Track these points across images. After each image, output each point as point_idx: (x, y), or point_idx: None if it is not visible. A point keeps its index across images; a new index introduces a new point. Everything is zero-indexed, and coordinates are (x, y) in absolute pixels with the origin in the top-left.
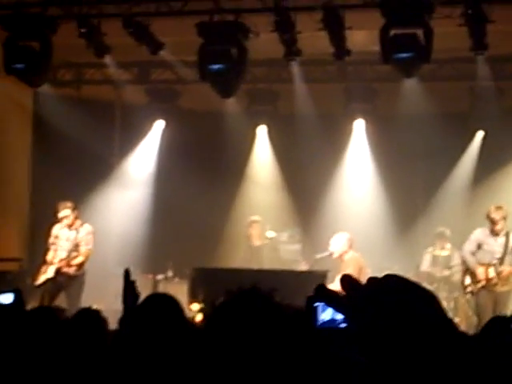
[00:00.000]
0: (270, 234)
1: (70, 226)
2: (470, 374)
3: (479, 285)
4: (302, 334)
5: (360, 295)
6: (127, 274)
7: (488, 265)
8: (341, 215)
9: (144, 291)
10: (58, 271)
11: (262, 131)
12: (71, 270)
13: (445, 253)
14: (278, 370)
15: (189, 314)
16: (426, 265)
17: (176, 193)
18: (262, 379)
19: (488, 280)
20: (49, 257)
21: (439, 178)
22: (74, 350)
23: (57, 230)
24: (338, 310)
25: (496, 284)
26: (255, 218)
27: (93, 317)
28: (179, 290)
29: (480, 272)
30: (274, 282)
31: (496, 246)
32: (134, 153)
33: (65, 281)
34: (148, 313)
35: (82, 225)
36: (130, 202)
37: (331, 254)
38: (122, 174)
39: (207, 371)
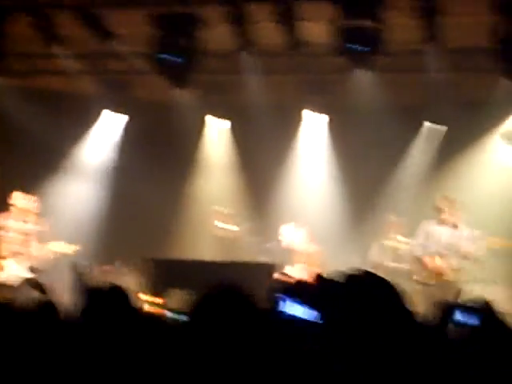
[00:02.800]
0: (219, 224)
1: (21, 217)
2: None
3: (426, 274)
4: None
5: (337, 290)
6: (75, 267)
7: (434, 254)
8: (295, 206)
9: (95, 283)
10: (33, 270)
11: (213, 122)
12: (38, 266)
13: (392, 242)
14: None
15: (138, 305)
16: (374, 255)
17: (128, 183)
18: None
19: (435, 269)
20: None
21: (391, 169)
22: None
23: (2, 220)
24: (311, 306)
25: (442, 273)
26: (218, 208)
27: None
28: (129, 281)
29: (428, 262)
30: (225, 273)
31: (443, 236)
32: (84, 143)
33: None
34: (99, 305)
35: (33, 216)
36: (82, 192)
37: (279, 242)
38: (74, 164)
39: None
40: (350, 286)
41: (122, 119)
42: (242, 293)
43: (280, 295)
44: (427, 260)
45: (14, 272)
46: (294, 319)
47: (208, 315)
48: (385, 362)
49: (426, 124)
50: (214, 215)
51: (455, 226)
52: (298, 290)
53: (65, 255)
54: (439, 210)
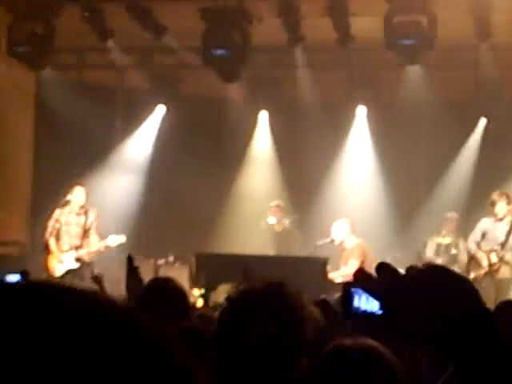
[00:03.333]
0: (272, 220)
1: (80, 211)
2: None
3: (482, 271)
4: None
5: (401, 284)
6: (130, 260)
7: (490, 251)
8: (342, 202)
9: (145, 276)
10: (79, 260)
11: (263, 117)
12: (87, 258)
13: (447, 240)
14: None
15: (190, 299)
16: (429, 252)
17: (176, 178)
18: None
19: (490, 265)
20: (54, 244)
21: (441, 165)
22: None
23: (63, 215)
24: (375, 297)
25: (498, 269)
26: (276, 202)
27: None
28: (180, 275)
29: (482, 258)
30: (276, 268)
31: (499, 231)
32: (133, 137)
33: (82, 269)
34: (152, 297)
35: (89, 210)
36: (130, 186)
37: (332, 241)
38: (123, 159)
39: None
40: (420, 280)
41: (172, 114)
42: (285, 291)
43: (353, 290)
44: (482, 257)
45: (70, 266)
46: (368, 314)
47: (243, 312)
48: (459, 362)
49: (480, 120)
50: (267, 210)
51: (510, 223)
52: (366, 283)
53: (116, 247)
54: (494, 206)
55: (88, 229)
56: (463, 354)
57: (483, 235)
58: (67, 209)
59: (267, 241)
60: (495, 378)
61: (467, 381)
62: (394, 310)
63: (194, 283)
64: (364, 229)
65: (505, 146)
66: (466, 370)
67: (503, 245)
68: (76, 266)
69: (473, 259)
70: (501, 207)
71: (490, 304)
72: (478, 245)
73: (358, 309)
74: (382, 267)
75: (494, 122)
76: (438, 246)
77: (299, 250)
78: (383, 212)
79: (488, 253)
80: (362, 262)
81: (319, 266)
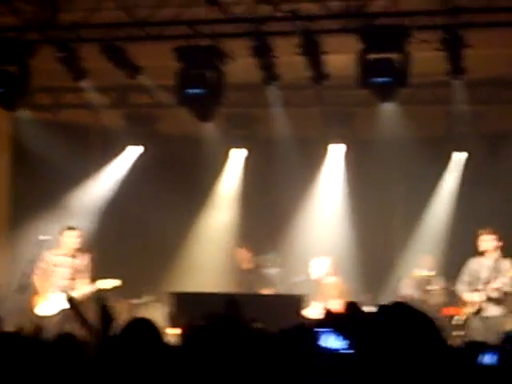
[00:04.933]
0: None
1: (71, 254)
2: None
3: (471, 311)
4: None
5: (367, 323)
6: (101, 300)
7: (476, 290)
8: (316, 240)
9: (122, 316)
10: (70, 300)
11: (236, 154)
12: (76, 297)
13: (423, 276)
14: None
15: (167, 339)
16: (405, 289)
17: (151, 218)
18: None
19: (474, 304)
20: (41, 283)
21: (418, 201)
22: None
23: (52, 256)
24: (342, 335)
25: (485, 308)
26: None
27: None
28: (155, 315)
29: (469, 298)
30: (253, 305)
31: (483, 269)
32: (103, 176)
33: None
34: (128, 338)
35: (83, 252)
36: (103, 227)
37: (310, 278)
38: (92, 199)
39: None
40: (383, 316)
41: (148, 152)
42: (238, 323)
43: (318, 329)
44: (467, 297)
45: (61, 306)
46: (330, 352)
47: (199, 346)
48: None
49: (454, 155)
50: (236, 249)
51: (496, 259)
52: (333, 322)
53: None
54: (479, 244)
55: (80, 271)
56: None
57: (469, 274)
58: (58, 250)
59: (235, 279)
60: None
61: None
62: (361, 348)
63: (172, 322)
64: (339, 267)
65: (481, 181)
66: None
67: (487, 283)
68: (66, 306)
69: (461, 301)
70: (484, 240)
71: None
72: (468, 285)
73: (326, 347)
74: (350, 307)
75: (470, 156)
76: (414, 282)
77: (272, 288)
78: (357, 250)
79: (473, 293)
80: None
81: (295, 302)
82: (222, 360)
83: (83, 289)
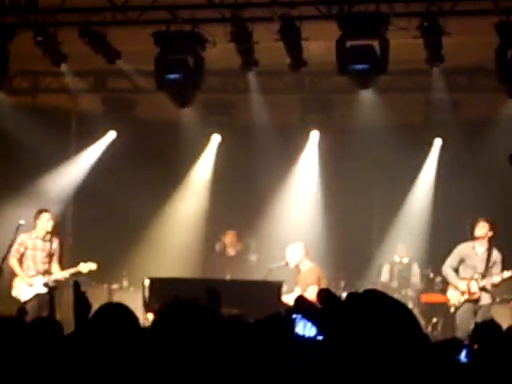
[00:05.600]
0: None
1: (44, 237)
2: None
3: (462, 299)
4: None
5: (341, 310)
6: (77, 285)
7: (470, 279)
8: (293, 226)
9: (99, 301)
10: (46, 285)
11: (215, 140)
12: (51, 283)
13: (401, 265)
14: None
15: (144, 324)
16: (384, 276)
17: (129, 203)
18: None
19: (470, 294)
20: (17, 265)
21: (396, 188)
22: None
23: (28, 239)
24: (314, 323)
25: (479, 298)
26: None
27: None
28: (134, 300)
29: (462, 286)
30: (231, 291)
31: (476, 258)
32: (81, 160)
33: (48, 295)
34: (102, 323)
35: (54, 236)
36: (81, 211)
37: (287, 264)
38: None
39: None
40: (351, 304)
41: (125, 137)
42: (198, 307)
43: (293, 316)
44: (462, 285)
45: (39, 290)
46: (303, 339)
47: (164, 331)
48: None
49: (435, 141)
50: (227, 234)
51: (488, 248)
52: (305, 309)
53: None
54: (473, 234)
55: (52, 255)
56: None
57: (460, 261)
58: (33, 234)
59: (220, 265)
60: None
61: None
62: (332, 335)
63: (148, 308)
64: (315, 253)
65: (458, 168)
66: None
67: (483, 275)
68: (44, 290)
69: (448, 284)
70: (480, 227)
71: (468, 329)
72: (457, 271)
73: (299, 334)
74: (322, 294)
75: (448, 144)
76: (392, 269)
77: (251, 274)
78: (336, 238)
79: (468, 281)
80: (317, 286)
81: (274, 289)
82: (190, 346)
83: (60, 273)
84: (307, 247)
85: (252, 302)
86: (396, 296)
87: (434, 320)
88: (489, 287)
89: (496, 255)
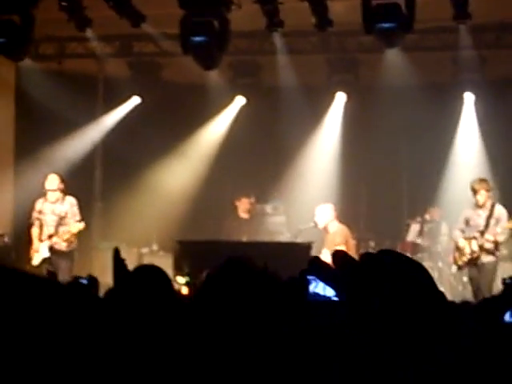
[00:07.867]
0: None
1: (54, 199)
2: (457, 342)
3: (464, 258)
4: (294, 305)
5: (355, 271)
6: (117, 252)
7: (471, 238)
8: (320, 187)
9: (129, 265)
10: (52, 248)
11: (241, 102)
12: (63, 247)
13: (431, 224)
14: (267, 341)
15: (175, 287)
16: (412, 235)
17: (156, 166)
18: (254, 349)
19: (471, 253)
20: (35, 233)
21: (423, 148)
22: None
23: (40, 204)
24: (329, 284)
25: (478, 257)
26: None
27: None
28: (164, 264)
29: (464, 246)
30: (259, 253)
31: (479, 218)
32: (105, 124)
33: (58, 258)
34: (137, 284)
35: (64, 197)
36: (108, 176)
37: (316, 225)
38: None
39: (198, 343)
40: (365, 264)
41: (150, 101)
42: (250, 268)
43: (310, 277)
44: (463, 245)
45: (44, 255)
46: (320, 299)
47: (215, 292)
48: (410, 339)
49: (466, 98)
50: (242, 198)
51: (489, 209)
52: (320, 271)
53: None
54: (475, 193)
55: (64, 217)
56: (418, 338)
57: (467, 223)
58: (42, 198)
59: (234, 229)
60: (452, 365)
61: (425, 367)
62: (348, 296)
63: (178, 271)
64: (344, 213)
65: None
66: (423, 354)
67: (482, 232)
68: (47, 255)
69: (456, 248)
70: (481, 195)
71: (474, 289)
72: (462, 233)
73: (314, 295)
74: (337, 255)
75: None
76: (422, 228)
77: (271, 237)
78: (363, 198)
79: (469, 240)
80: (345, 247)
81: (303, 250)
82: (238, 307)
83: (65, 235)
84: (336, 208)
85: (282, 263)
86: (425, 254)
87: (465, 279)
88: (489, 245)
89: (500, 211)
